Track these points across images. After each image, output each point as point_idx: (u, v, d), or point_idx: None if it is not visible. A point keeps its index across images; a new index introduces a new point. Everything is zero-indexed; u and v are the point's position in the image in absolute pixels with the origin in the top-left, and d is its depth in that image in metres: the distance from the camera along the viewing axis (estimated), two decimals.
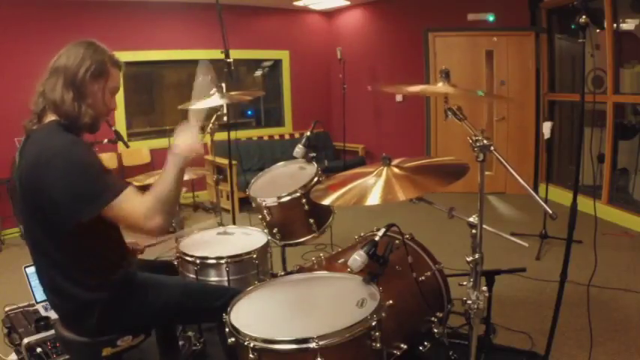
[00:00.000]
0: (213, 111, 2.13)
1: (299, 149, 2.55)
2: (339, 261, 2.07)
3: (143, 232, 1.49)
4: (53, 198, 1.44)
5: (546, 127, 4.06)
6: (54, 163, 1.44)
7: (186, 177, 2.67)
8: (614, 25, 4.49)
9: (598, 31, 4.45)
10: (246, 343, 1.44)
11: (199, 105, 1.94)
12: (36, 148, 1.51)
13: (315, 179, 2.37)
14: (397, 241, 2.02)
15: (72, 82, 1.57)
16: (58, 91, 1.56)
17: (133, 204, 1.46)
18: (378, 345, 1.49)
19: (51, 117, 1.57)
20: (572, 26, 2.05)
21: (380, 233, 1.85)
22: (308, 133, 2.58)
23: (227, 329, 1.53)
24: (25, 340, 2.23)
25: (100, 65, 1.60)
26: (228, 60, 3.12)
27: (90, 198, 1.45)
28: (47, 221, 1.49)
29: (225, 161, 4.34)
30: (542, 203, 1.46)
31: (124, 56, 1.72)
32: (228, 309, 1.63)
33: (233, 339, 1.50)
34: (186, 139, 1.63)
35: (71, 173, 1.44)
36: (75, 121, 1.59)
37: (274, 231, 2.45)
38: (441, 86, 1.63)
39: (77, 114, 1.58)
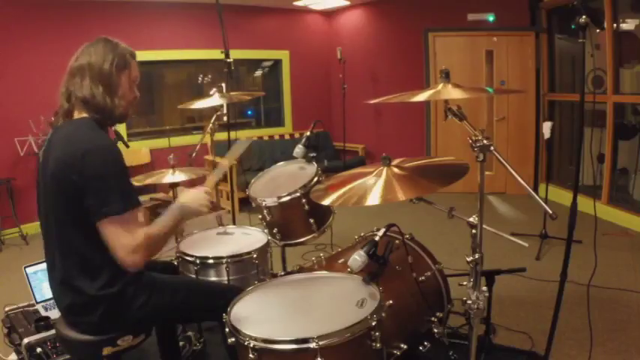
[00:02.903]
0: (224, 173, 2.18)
1: (299, 149, 2.55)
2: (339, 261, 2.07)
3: (119, 261, 1.51)
4: (84, 191, 1.49)
5: (546, 127, 4.05)
6: (89, 158, 1.48)
7: (185, 177, 2.68)
8: (614, 25, 4.49)
9: (598, 31, 4.45)
10: (246, 343, 1.44)
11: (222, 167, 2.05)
12: (70, 141, 1.54)
13: (315, 179, 2.37)
14: (397, 241, 2.03)
15: (99, 78, 1.61)
16: (87, 87, 1.60)
17: (125, 233, 1.48)
18: (378, 345, 1.49)
19: (81, 114, 1.62)
20: (572, 26, 2.05)
21: (380, 233, 1.85)
22: (308, 133, 2.58)
23: (227, 329, 1.53)
24: (25, 340, 2.24)
25: (122, 57, 1.66)
26: (228, 60, 3.13)
27: (103, 204, 1.48)
28: (77, 211, 1.52)
29: (225, 161, 4.34)
30: (542, 203, 1.46)
31: None
32: (228, 309, 1.63)
33: (233, 339, 1.50)
34: (196, 198, 1.71)
35: (103, 173, 1.49)
36: (109, 114, 1.64)
37: (274, 231, 2.45)
38: (447, 90, 1.59)
39: (110, 107, 1.63)
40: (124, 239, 1.48)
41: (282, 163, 2.78)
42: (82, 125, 1.59)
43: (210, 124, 2.84)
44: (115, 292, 1.61)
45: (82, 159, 1.48)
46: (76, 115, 1.62)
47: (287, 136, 7.08)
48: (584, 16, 1.94)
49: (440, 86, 1.62)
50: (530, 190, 1.45)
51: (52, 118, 1.67)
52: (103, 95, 1.60)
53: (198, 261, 2.20)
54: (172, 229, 1.64)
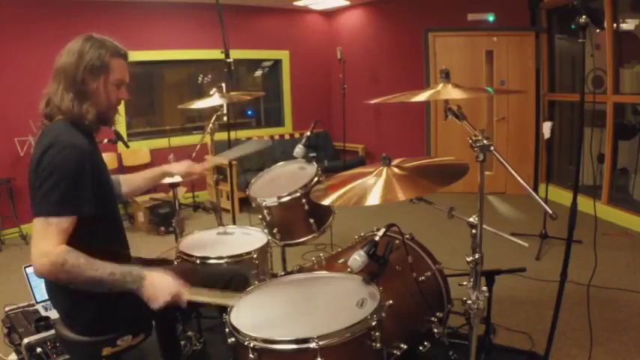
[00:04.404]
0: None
1: (299, 149, 2.55)
2: (339, 261, 2.07)
3: (33, 262, 1.42)
4: (35, 184, 1.48)
5: (546, 127, 4.06)
6: (46, 154, 1.47)
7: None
8: (614, 25, 4.49)
9: (598, 31, 4.45)
10: (246, 343, 1.44)
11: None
12: (42, 143, 1.53)
13: (315, 179, 2.37)
14: (397, 241, 2.02)
15: (72, 83, 1.58)
16: (59, 94, 1.58)
17: (44, 236, 1.42)
18: (378, 345, 1.49)
19: (60, 116, 1.60)
20: (572, 26, 2.04)
21: (380, 233, 1.85)
22: (308, 133, 2.58)
23: (227, 329, 1.53)
24: (25, 340, 2.23)
25: (97, 61, 1.59)
26: (228, 60, 3.13)
27: (39, 201, 1.45)
28: None
29: (225, 161, 4.33)
30: (542, 203, 1.45)
31: None
32: (228, 309, 1.63)
33: (233, 339, 1.50)
34: (161, 291, 1.51)
35: (50, 170, 1.46)
36: (80, 121, 1.60)
37: (274, 231, 2.45)
38: (447, 90, 1.59)
39: (79, 114, 1.59)
40: (41, 242, 1.41)
41: (282, 163, 2.78)
42: (56, 125, 1.58)
43: (210, 124, 2.84)
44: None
45: (41, 155, 1.48)
46: (57, 117, 1.61)
47: (287, 136, 7.08)
48: (584, 16, 1.94)
49: (440, 86, 1.62)
50: (530, 190, 1.45)
51: (42, 122, 1.65)
52: (72, 101, 1.57)
53: (198, 261, 2.20)
54: (109, 282, 1.46)
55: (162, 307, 1.51)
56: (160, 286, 1.52)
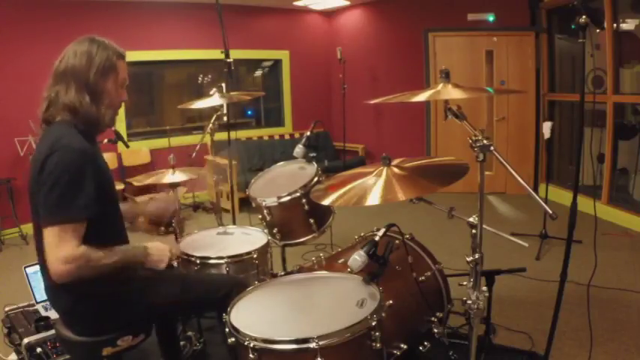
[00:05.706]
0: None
1: (299, 149, 2.56)
2: (339, 261, 2.07)
3: (49, 269, 1.45)
4: (40, 191, 1.48)
5: (546, 127, 4.06)
6: (50, 158, 1.47)
7: (185, 177, 2.68)
8: (614, 25, 4.49)
9: (598, 31, 4.44)
10: (246, 343, 1.44)
11: None
12: (43, 147, 1.53)
13: (315, 179, 2.37)
14: (397, 241, 2.02)
15: (85, 85, 1.58)
16: (72, 95, 1.57)
17: (61, 242, 1.43)
18: (378, 345, 1.49)
19: (62, 117, 1.59)
20: (572, 26, 2.04)
21: (380, 233, 1.85)
22: (308, 133, 2.58)
23: (227, 329, 1.53)
24: (25, 340, 2.23)
25: (107, 62, 1.61)
26: (228, 60, 3.12)
27: (48, 208, 1.46)
28: None
29: (225, 161, 4.33)
30: (542, 203, 1.45)
31: None
32: (228, 309, 1.63)
33: (233, 339, 1.50)
34: (162, 253, 1.72)
35: (56, 175, 1.46)
36: (96, 123, 1.62)
37: (274, 231, 2.46)
38: (447, 90, 1.59)
39: (97, 116, 1.61)
40: (62, 249, 1.43)
41: (282, 163, 2.78)
42: (59, 126, 1.57)
43: (210, 124, 2.85)
44: (108, 291, 1.61)
45: (45, 159, 1.47)
46: (56, 120, 1.60)
47: (287, 136, 7.08)
48: (584, 16, 1.94)
49: (440, 86, 1.62)
50: (530, 190, 1.45)
51: (41, 126, 1.65)
52: (90, 105, 1.58)
53: (198, 261, 2.20)
54: (122, 262, 1.58)
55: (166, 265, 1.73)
56: (160, 251, 1.73)
